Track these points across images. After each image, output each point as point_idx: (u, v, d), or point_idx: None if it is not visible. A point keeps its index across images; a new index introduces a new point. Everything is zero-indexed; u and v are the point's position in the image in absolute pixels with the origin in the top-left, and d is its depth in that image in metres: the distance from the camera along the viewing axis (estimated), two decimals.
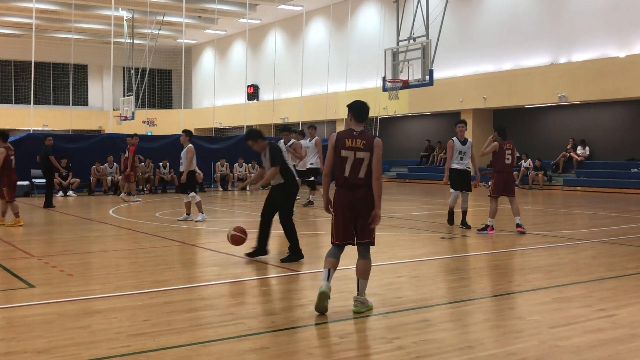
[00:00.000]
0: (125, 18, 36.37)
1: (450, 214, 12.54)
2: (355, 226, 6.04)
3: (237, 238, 8.83)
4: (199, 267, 8.69)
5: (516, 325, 5.51)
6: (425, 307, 6.23)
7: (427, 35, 20.62)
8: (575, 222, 14.34)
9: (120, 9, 35.04)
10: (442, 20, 21.19)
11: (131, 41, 36.17)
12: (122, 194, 19.31)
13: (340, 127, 34.34)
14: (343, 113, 32.74)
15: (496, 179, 11.74)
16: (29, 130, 26.31)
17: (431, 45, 20.22)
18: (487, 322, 5.64)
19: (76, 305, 6.23)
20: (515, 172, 25.73)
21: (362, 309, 5.94)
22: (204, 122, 43.70)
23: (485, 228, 11.53)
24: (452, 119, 29.95)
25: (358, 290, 6.02)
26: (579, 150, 25.49)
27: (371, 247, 6.18)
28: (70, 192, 21.65)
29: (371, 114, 29.09)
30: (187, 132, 14.05)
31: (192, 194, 13.65)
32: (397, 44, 21.75)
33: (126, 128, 32.98)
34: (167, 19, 37.13)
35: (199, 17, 38.37)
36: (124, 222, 13.69)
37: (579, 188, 24.03)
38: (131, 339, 5.09)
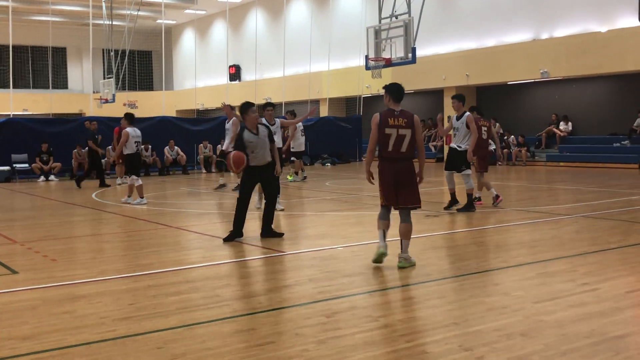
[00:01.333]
0: None
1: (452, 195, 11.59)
2: (397, 193, 6.85)
3: (237, 158, 8.58)
4: (184, 249, 8.66)
5: (501, 301, 5.54)
6: (411, 284, 6.25)
7: (409, 12, 20.52)
8: (558, 197, 14.45)
9: None
10: None
11: (110, 23, 35.71)
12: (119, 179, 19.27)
13: (324, 107, 34.24)
14: (326, 92, 32.72)
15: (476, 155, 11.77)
16: (9, 114, 26.00)
17: (413, 23, 20.13)
18: (472, 298, 5.67)
19: (61, 291, 6.20)
20: (504, 150, 25.86)
21: (405, 265, 6.83)
22: (185, 103, 43.38)
23: (496, 197, 11.83)
24: (436, 97, 30.00)
25: (401, 249, 6.88)
26: (562, 125, 25.61)
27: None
28: (51, 177, 21.47)
29: (354, 92, 28.92)
30: (126, 115, 14.09)
31: (133, 177, 13.60)
32: (380, 22, 21.63)
33: (107, 111, 32.69)
34: None
35: None
36: (107, 205, 13.60)
37: (561, 163, 24.17)
38: (117, 323, 5.07)
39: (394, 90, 6.97)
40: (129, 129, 13.67)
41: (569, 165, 23.76)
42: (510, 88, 27.75)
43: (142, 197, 13.52)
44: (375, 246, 7.07)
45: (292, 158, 18.72)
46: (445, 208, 11.58)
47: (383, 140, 6.84)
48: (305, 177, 19.07)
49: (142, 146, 23.10)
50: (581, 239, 8.56)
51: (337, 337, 4.65)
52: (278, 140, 11.92)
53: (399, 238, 6.92)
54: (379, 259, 6.90)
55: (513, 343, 4.46)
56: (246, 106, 8.84)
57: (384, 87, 6.99)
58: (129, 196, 13.70)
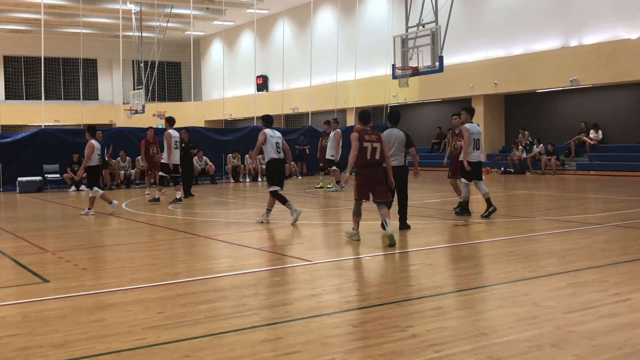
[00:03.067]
0: (133, 11, 36.39)
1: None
2: (372, 191, 9.25)
3: None
4: (212, 258, 8.71)
5: (531, 311, 5.48)
6: (439, 294, 6.21)
7: (436, 21, 20.48)
8: (588, 206, 14.26)
9: (128, 2, 35.05)
10: (451, 6, 21.05)
11: (140, 34, 36.21)
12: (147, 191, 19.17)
13: (351, 116, 34.28)
14: (353, 102, 32.76)
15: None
16: (41, 125, 26.43)
17: (440, 31, 20.07)
18: (501, 308, 5.62)
19: (91, 299, 6.27)
20: (527, 156, 25.62)
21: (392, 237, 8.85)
22: (214, 113, 43.75)
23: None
24: (463, 105, 29.78)
25: (386, 226, 9.03)
26: (592, 134, 25.30)
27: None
28: (82, 187, 21.75)
29: (381, 102, 28.95)
30: (89, 128, 14.32)
31: (95, 188, 13.93)
32: (406, 31, 21.62)
33: (137, 121, 33.10)
34: (174, 11, 37.12)
35: (207, 8, 38.33)
36: (137, 215, 13.74)
37: (592, 172, 23.87)
38: (146, 331, 5.12)
39: (361, 117, 9.55)
40: (93, 141, 13.86)
41: (600, 173, 23.45)
42: (539, 96, 27.50)
43: (90, 208, 13.84)
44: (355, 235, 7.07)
45: (334, 167, 18.56)
46: (483, 215, 11.69)
47: (362, 151, 9.12)
48: (343, 186, 18.64)
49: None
50: (612, 249, 8.44)
51: (365, 347, 4.63)
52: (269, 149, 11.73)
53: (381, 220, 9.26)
54: (356, 237, 9.30)
55: (543, 354, 4.41)
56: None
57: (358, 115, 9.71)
58: (108, 204, 13.95)
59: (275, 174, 11.65)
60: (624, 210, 12.54)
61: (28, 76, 43.32)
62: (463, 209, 12.11)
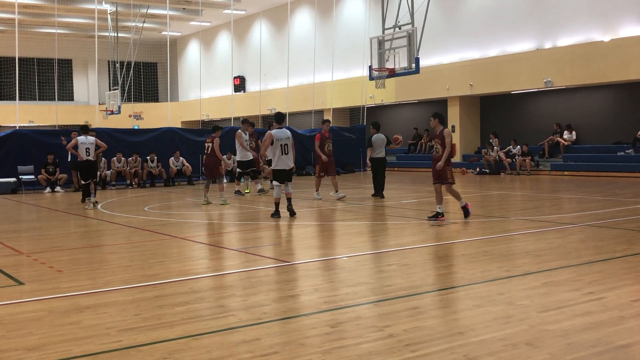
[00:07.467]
0: (108, 11, 36.10)
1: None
2: (211, 173, 15.45)
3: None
4: (189, 260, 8.68)
5: (506, 310, 5.54)
6: (415, 294, 6.25)
7: (412, 23, 20.59)
8: (563, 206, 14.43)
9: (103, 2, 34.76)
10: (427, 8, 21.16)
11: (115, 35, 35.92)
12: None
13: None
14: (330, 103, 32.83)
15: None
16: (15, 126, 26.11)
17: (417, 33, 20.18)
18: (477, 308, 5.67)
19: (66, 302, 6.21)
20: (506, 158, 25.84)
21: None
22: (191, 114, 43.53)
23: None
24: (440, 107, 30.01)
25: (223, 196, 14.96)
26: (566, 134, 25.59)
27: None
28: (57, 188, 21.53)
29: (358, 103, 29.19)
30: None
31: None
32: (383, 33, 21.70)
33: (113, 122, 32.85)
34: (150, 11, 36.87)
35: (183, 8, 38.13)
36: (113, 216, 13.64)
37: (566, 173, 24.14)
38: (122, 333, 5.09)
39: (214, 128, 15.51)
40: None
41: (574, 174, 23.73)
42: (514, 97, 27.76)
43: None
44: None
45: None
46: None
47: (205, 148, 15.40)
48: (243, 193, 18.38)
49: (148, 157, 23.25)
50: (586, 248, 8.55)
51: (342, 347, 4.65)
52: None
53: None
54: (206, 202, 15.19)
55: (518, 352, 4.46)
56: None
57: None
58: None
59: (85, 171, 15.66)
60: (597, 210, 12.71)
61: (2, 76, 42.76)
62: (276, 212, 12.56)
